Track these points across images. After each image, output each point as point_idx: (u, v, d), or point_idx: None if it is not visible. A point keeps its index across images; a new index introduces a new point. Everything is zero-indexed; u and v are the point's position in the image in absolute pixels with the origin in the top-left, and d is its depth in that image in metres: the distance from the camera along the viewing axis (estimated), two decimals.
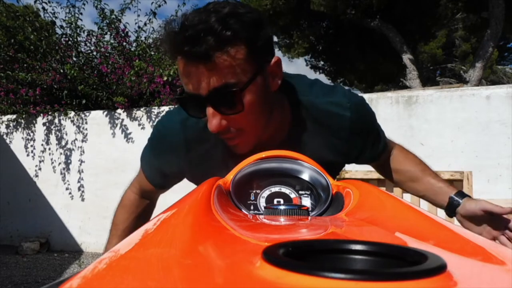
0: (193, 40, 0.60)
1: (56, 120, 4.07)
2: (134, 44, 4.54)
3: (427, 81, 11.54)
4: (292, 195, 0.61)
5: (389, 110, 3.11)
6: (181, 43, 0.61)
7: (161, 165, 0.88)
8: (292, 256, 0.23)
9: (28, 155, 4.14)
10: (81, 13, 4.34)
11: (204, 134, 0.76)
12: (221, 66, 0.62)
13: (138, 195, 0.99)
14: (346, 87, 0.95)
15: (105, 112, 3.94)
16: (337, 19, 8.08)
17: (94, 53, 4.45)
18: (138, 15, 4.53)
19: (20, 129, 4.17)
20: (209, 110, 0.65)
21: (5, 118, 4.16)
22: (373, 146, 0.89)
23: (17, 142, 4.17)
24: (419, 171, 0.94)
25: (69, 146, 4.03)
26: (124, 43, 4.35)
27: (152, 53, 4.42)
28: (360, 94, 0.84)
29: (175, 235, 0.31)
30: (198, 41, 0.60)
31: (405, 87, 9.04)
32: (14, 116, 4.12)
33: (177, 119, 0.80)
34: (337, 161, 0.83)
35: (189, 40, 0.60)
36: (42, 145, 4.11)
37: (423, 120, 3.02)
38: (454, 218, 0.88)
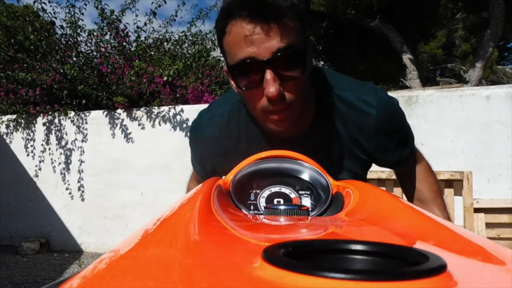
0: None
1: (56, 120, 4.07)
2: (134, 44, 4.54)
3: (427, 81, 11.54)
4: (292, 195, 0.61)
5: None
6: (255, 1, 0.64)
7: (196, 158, 0.96)
8: (292, 256, 0.23)
9: (28, 155, 4.13)
10: (82, 13, 4.34)
11: (228, 129, 0.83)
12: (287, 28, 0.64)
13: (197, 185, 1.04)
14: None
15: (105, 112, 3.94)
16: (337, 19, 8.09)
17: (94, 53, 4.44)
18: (137, 15, 4.53)
19: (20, 129, 4.17)
20: (269, 75, 0.64)
21: (5, 118, 4.16)
22: (398, 148, 0.87)
23: (17, 142, 4.17)
24: (430, 198, 0.93)
25: (69, 146, 4.02)
26: (124, 43, 4.35)
27: (152, 53, 4.42)
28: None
29: (175, 235, 0.31)
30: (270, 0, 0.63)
31: (405, 87, 9.04)
32: (14, 116, 4.12)
33: (205, 116, 0.87)
34: (362, 157, 0.83)
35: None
36: (42, 145, 4.10)
37: (423, 120, 3.02)
38: (455, 218, 0.88)
